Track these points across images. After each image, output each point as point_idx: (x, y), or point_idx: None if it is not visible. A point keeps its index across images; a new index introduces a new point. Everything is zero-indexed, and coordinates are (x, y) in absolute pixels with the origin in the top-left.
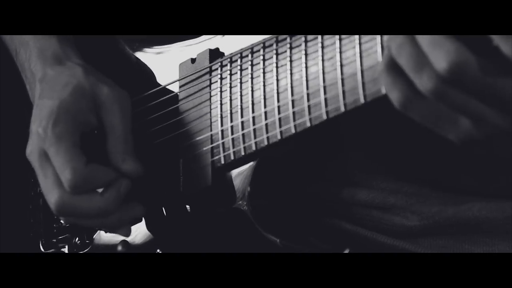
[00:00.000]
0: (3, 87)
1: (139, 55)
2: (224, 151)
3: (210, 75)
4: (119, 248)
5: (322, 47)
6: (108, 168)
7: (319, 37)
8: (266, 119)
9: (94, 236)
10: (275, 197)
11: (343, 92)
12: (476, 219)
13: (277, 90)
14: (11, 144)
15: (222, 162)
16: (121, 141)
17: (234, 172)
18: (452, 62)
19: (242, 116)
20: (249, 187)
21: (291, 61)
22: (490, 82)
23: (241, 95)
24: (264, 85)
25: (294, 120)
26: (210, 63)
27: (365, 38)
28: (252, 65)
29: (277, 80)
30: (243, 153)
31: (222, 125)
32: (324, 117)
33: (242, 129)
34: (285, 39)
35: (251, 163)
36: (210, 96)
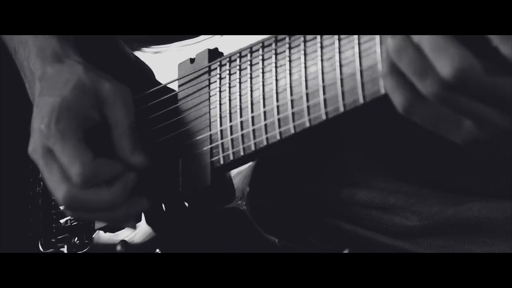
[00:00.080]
0: (1, 86)
1: (138, 54)
2: (223, 152)
3: (209, 75)
4: (118, 248)
5: (321, 47)
6: (115, 162)
7: (318, 37)
8: (265, 119)
9: (93, 236)
10: (275, 197)
11: (342, 92)
12: (476, 219)
13: (276, 90)
14: (10, 144)
15: (221, 162)
16: (128, 135)
17: (234, 171)
18: (456, 68)
19: (241, 116)
20: (248, 187)
21: (290, 61)
22: (491, 83)
23: (240, 95)
24: (263, 85)
25: (294, 120)
26: (209, 63)
27: (364, 38)
28: (251, 65)
29: (276, 80)
30: (242, 154)
31: (221, 125)
32: (324, 117)
33: (241, 129)
34: (284, 39)
35: (250, 163)
36: (209, 96)
